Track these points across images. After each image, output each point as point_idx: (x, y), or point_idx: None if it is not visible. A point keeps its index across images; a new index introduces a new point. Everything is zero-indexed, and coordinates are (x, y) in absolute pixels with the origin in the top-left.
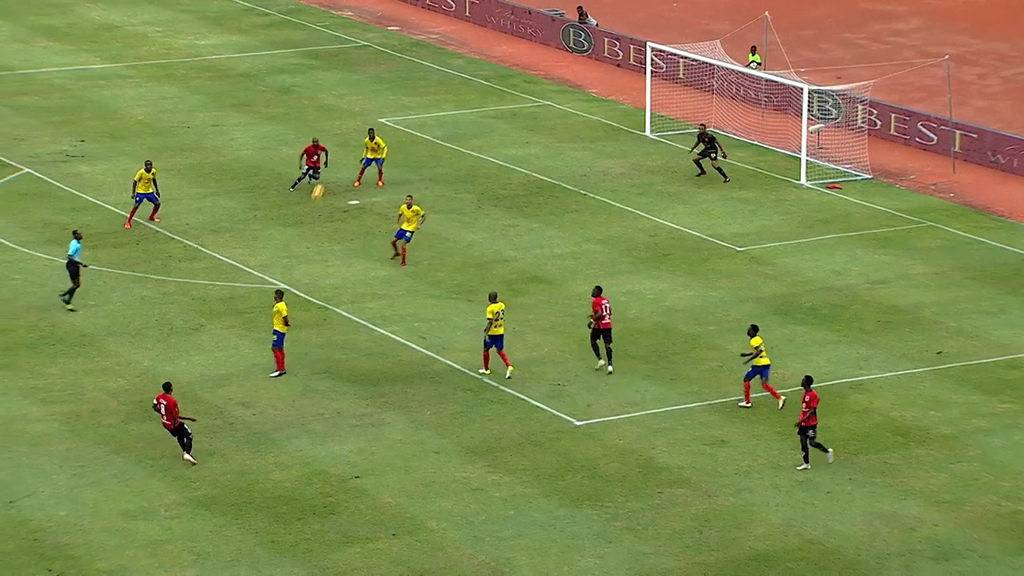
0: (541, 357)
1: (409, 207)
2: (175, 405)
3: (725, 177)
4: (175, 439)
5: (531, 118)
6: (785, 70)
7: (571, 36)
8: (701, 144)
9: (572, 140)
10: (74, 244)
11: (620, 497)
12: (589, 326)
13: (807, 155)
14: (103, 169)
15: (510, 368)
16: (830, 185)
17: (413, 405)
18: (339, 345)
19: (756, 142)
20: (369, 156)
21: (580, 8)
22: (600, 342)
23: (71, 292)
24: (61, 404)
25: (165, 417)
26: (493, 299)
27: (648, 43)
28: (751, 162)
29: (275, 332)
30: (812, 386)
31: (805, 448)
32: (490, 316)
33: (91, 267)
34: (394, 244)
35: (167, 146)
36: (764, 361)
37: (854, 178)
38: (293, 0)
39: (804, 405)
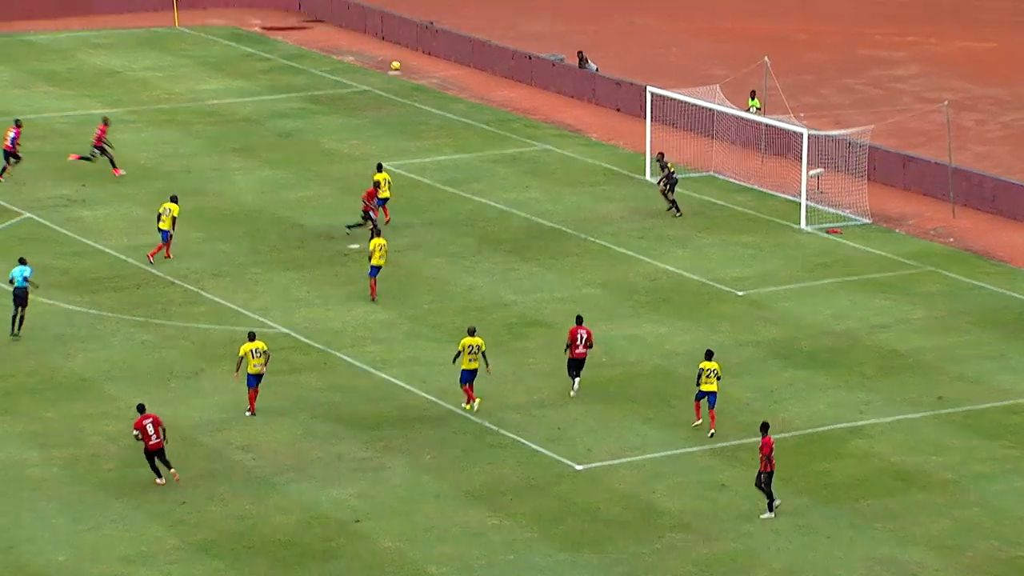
0: (541, 401)
1: (374, 238)
2: (160, 419)
3: (673, 208)
4: (158, 462)
5: (531, 162)
6: (785, 115)
7: (571, 80)
8: (664, 174)
9: (572, 184)
10: (24, 269)
11: (621, 542)
12: (565, 351)
13: (807, 200)
14: (104, 214)
15: (476, 401)
16: (830, 230)
17: (413, 449)
18: (339, 389)
19: (756, 186)
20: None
21: (580, 53)
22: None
23: (22, 320)
24: (61, 448)
25: (154, 436)
26: (471, 333)
27: (648, 87)
28: (751, 206)
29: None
30: (769, 432)
31: (769, 496)
32: (460, 348)
33: (92, 311)
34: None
35: (168, 190)
36: (710, 388)
37: (854, 223)
38: (294, 45)
39: (760, 453)
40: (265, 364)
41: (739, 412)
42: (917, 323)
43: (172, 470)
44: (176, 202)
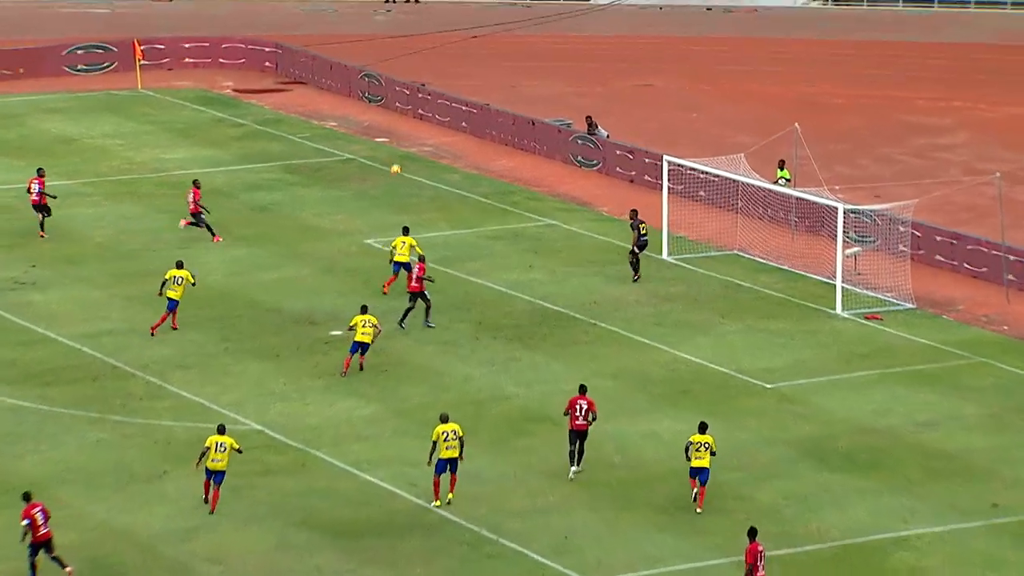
0: (546, 506)
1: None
2: (48, 510)
3: (635, 274)
4: (45, 554)
5: (535, 239)
6: (817, 187)
7: (579, 149)
8: (636, 236)
9: (580, 263)
10: None
11: None
12: (565, 415)
13: (843, 282)
14: (57, 298)
15: (450, 495)
16: (869, 315)
17: (401, 561)
18: (319, 492)
19: (786, 267)
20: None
21: (589, 118)
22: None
23: None
24: (6, 562)
25: (43, 527)
26: (444, 420)
27: (664, 156)
28: (780, 289)
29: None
30: (757, 538)
31: None
32: (434, 438)
33: (43, 407)
34: (348, 362)
35: (128, 272)
36: (701, 463)
37: (896, 307)
38: (270, 109)
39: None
40: (226, 460)
41: (769, 520)
42: (968, 420)
43: (68, 568)
44: (181, 268)
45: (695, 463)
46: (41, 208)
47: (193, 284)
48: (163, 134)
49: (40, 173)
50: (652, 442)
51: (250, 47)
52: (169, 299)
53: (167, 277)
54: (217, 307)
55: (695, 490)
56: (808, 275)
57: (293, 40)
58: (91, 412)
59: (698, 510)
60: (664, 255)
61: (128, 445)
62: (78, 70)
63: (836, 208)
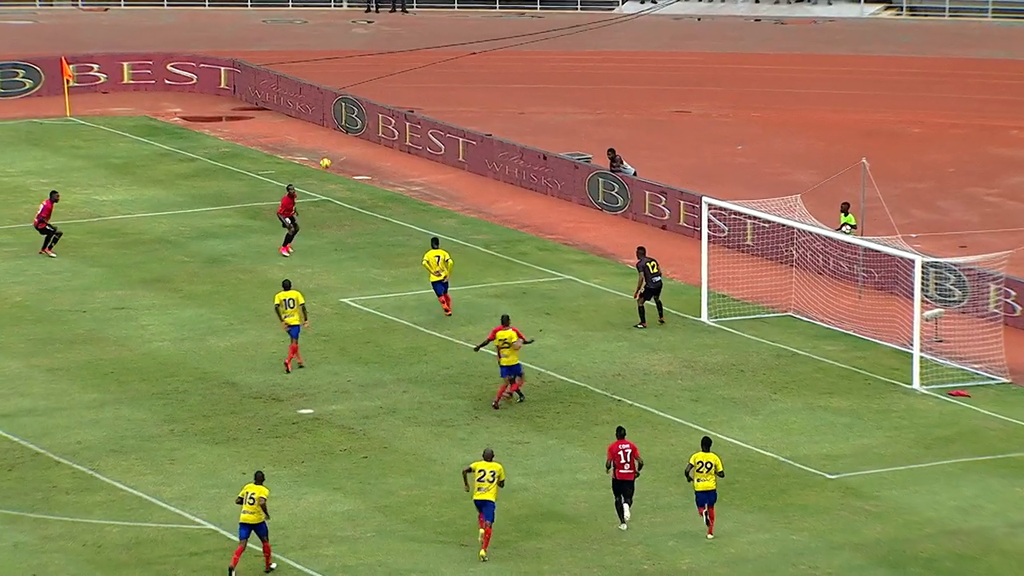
0: None
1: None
2: None
3: (641, 321)
4: None
5: (546, 297)
6: (890, 236)
7: (599, 187)
8: (642, 277)
9: (602, 327)
10: None
11: None
12: (607, 470)
13: (921, 350)
14: None
15: (482, 553)
16: (954, 392)
17: None
18: None
19: (851, 332)
20: (434, 279)
21: (612, 151)
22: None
23: None
24: None
25: None
26: (487, 458)
27: (704, 198)
28: (845, 359)
29: None
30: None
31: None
32: (471, 468)
33: None
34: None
35: (53, 337)
36: (705, 486)
37: (986, 382)
38: (226, 141)
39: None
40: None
41: None
42: None
43: None
44: (289, 288)
45: (699, 486)
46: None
47: (303, 305)
48: (96, 171)
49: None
50: (691, 545)
51: (202, 65)
52: (290, 327)
53: (277, 302)
54: (160, 380)
55: (704, 515)
56: (878, 342)
57: (254, 57)
58: (6, 509)
59: (709, 536)
60: (703, 317)
61: (51, 549)
62: None
63: (913, 261)
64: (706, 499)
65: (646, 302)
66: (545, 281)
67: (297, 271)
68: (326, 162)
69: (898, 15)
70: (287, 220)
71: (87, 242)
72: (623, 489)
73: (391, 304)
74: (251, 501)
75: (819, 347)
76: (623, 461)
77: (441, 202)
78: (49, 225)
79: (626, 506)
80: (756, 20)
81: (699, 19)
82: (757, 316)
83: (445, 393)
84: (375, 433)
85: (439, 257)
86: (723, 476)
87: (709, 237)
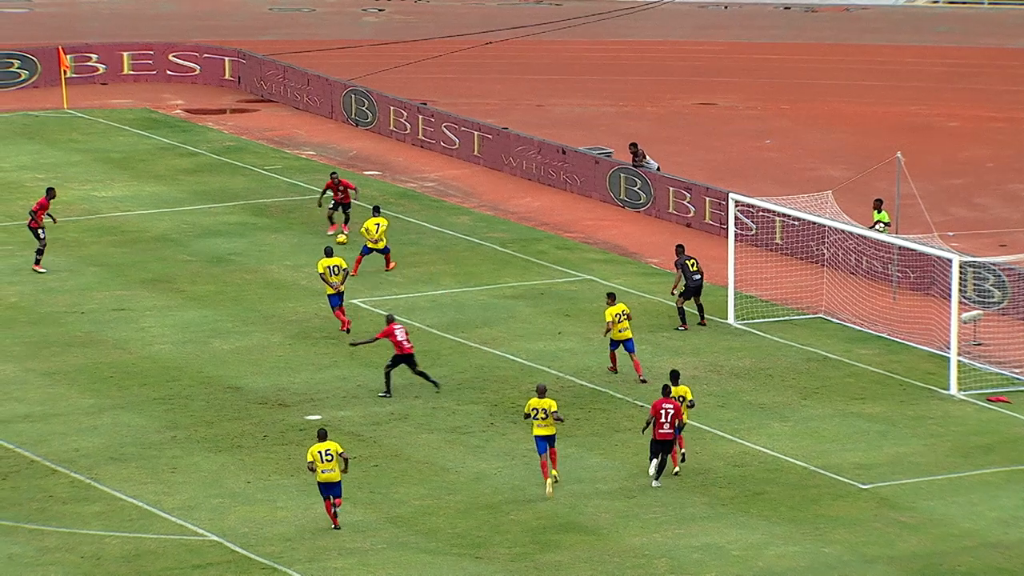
0: None
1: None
2: None
3: (681, 323)
4: None
5: (566, 299)
6: (926, 233)
7: (621, 183)
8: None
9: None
10: None
11: None
12: (644, 431)
13: (959, 354)
14: None
15: (554, 472)
16: (993, 397)
17: None
18: None
19: (885, 335)
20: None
21: (634, 146)
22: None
23: None
24: None
25: None
26: (540, 393)
27: (730, 194)
28: (879, 363)
29: None
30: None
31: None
32: (527, 411)
33: None
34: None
35: (50, 339)
36: (626, 335)
37: None
38: (231, 135)
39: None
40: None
41: None
42: None
43: None
44: (331, 255)
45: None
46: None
47: (346, 271)
48: (95, 166)
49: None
50: (716, 557)
51: (206, 56)
52: (331, 296)
53: (321, 270)
54: (162, 385)
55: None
56: (914, 346)
57: (260, 47)
58: (0, 519)
59: (676, 470)
60: (730, 319)
61: (47, 561)
62: None
63: (950, 260)
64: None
65: (685, 302)
66: (564, 281)
67: (304, 271)
68: (343, 239)
69: (935, 3)
70: (38, 232)
71: (85, 240)
72: (660, 448)
73: (403, 305)
74: (329, 458)
75: (851, 351)
76: (663, 420)
77: (455, 198)
78: (41, 230)
79: (654, 465)
80: (786, 8)
81: (726, 7)
82: (786, 318)
83: (459, 399)
84: (386, 440)
85: (379, 225)
86: (693, 407)
87: (736, 235)
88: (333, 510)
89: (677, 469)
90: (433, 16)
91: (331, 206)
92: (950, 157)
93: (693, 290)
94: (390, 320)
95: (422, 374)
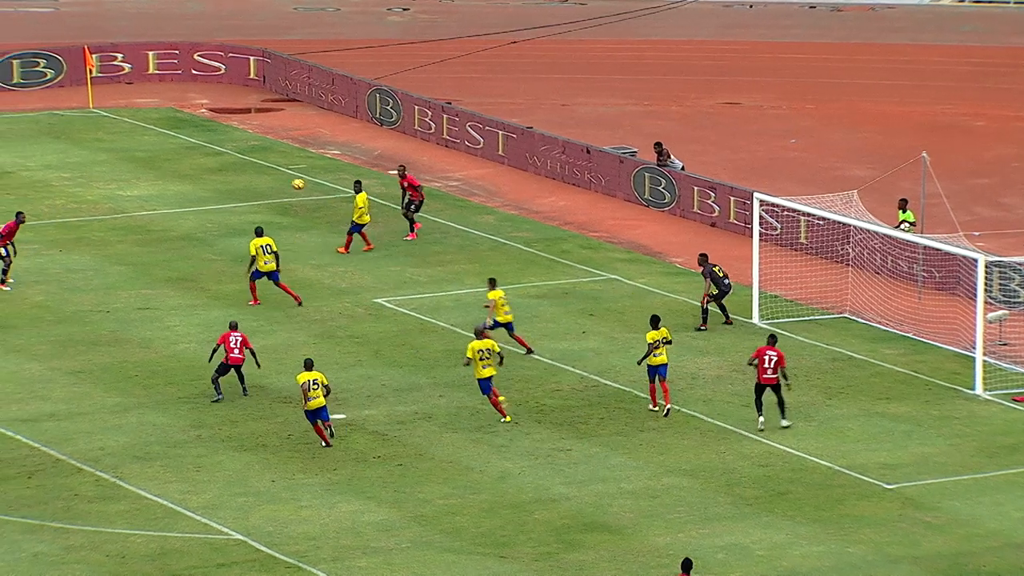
0: None
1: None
2: None
3: (703, 323)
4: None
5: (590, 298)
6: (951, 233)
7: (645, 183)
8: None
9: (647, 329)
10: None
11: None
12: (751, 364)
13: (985, 354)
14: None
15: (668, 405)
16: (1018, 397)
17: None
18: None
19: (910, 334)
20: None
21: (659, 145)
22: (768, 397)
23: None
24: None
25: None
26: (654, 324)
27: (755, 194)
28: (904, 363)
29: None
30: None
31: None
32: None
33: None
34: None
35: (75, 338)
36: (661, 360)
37: None
38: (256, 134)
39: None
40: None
41: None
42: None
43: None
44: (360, 189)
45: (655, 361)
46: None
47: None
48: (120, 165)
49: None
50: (741, 558)
51: (231, 55)
52: (355, 223)
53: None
54: (187, 384)
55: (653, 408)
56: (939, 345)
57: (285, 47)
58: (26, 518)
59: (667, 409)
60: (754, 319)
61: (72, 560)
62: (13, 85)
63: (975, 260)
64: (656, 372)
65: (710, 303)
66: (588, 281)
67: (329, 270)
68: (299, 183)
69: (960, 2)
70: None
71: (110, 239)
72: (764, 392)
73: (427, 305)
74: (316, 387)
75: (876, 350)
76: (767, 366)
77: (480, 198)
78: (6, 248)
79: (780, 408)
80: (811, 7)
81: (751, 6)
82: (811, 318)
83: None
84: (410, 440)
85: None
86: (671, 343)
87: (761, 235)
88: (327, 431)
89: (669, 407)
90: (458, 15)
91: (407, 206)
92: (975, 157)
93: (724, 294)
94: (232, 327)
95: (241, 380)
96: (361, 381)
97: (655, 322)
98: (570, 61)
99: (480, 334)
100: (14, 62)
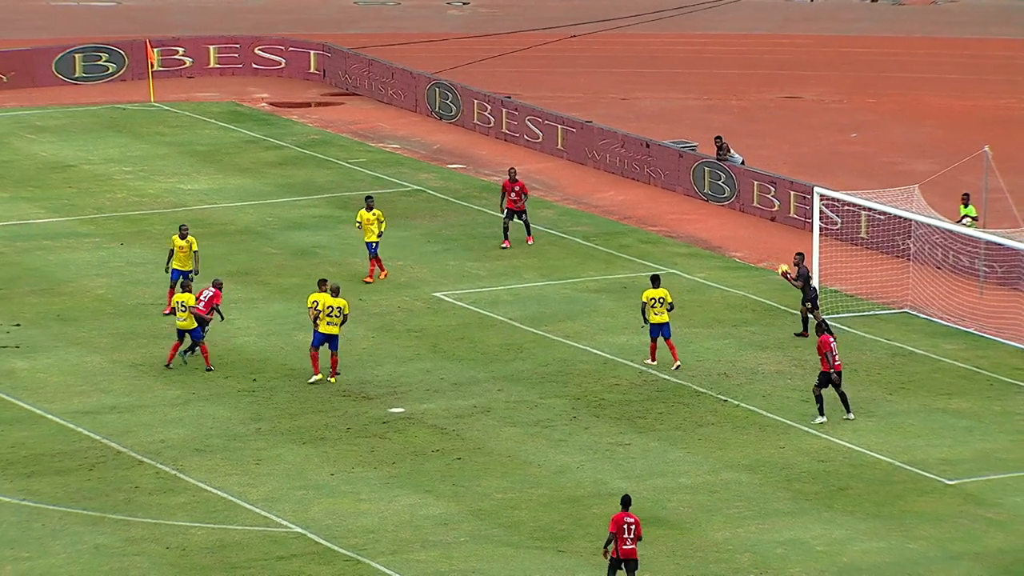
0: None
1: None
2: None
3: (804, 331)
4: None
5: None
6: (1014, 228)
7: (705, 177)
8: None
9: (707, 324)
10: None
11: None
12: (815, 327)
13: None
14: (46, 364)
15: (676, 362)
16: None
17: None
18: None
19: (972, 330)
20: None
21: (719, 139)
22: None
23: None
24: None
25: None
26: (655, 283)
27: (815, 188)
28: (966, 359)
29: None
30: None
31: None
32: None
33: (27, 503)
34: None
35: (136, 332)
36: (661, 319)
37: None
38: (316, 128)
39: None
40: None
41: None
42: None
43: None
44: (371, 208)
45: (655, 319)
46: None
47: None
48: (181, 159)
49: None
50: (800, 553)
51: (291, 49)
52: (369, 243)
53: (363, 221)
54: (246, 376)
55: (651, 362)
56: (1001, 341)
57: (345, 41)
58: (87, 510)
59: (676, 364)
60: None
61: (133, 552)
62: (75, 79)
63: None
64: (659, 331)
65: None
66: (647, 275)
67: (388, 264)
68: (784, 267)
69: None
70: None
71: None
72: (834, 378)
73: (486, 298)
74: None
75: (937, 346)
76: (833, 355)
77: (539, 192)
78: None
79: (844, 402)
80: (872, 1)
81: (811, 0)
82: (871, 312)
83: (542, 392)
84: (469, 434)
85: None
86: (673, 308)
87: (821, 229)
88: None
89: (677, 363)
90: (517, 9)
91: (505, 214)
92: None
93: (813, 302)
94: (216, 285)
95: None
96: (420, 375)
97: (655, 280)
98: (630, 55)
99: (336, 292)
100: (76, 56)
